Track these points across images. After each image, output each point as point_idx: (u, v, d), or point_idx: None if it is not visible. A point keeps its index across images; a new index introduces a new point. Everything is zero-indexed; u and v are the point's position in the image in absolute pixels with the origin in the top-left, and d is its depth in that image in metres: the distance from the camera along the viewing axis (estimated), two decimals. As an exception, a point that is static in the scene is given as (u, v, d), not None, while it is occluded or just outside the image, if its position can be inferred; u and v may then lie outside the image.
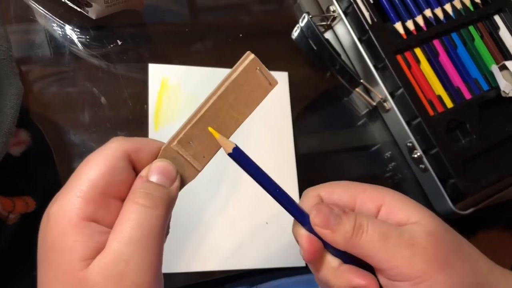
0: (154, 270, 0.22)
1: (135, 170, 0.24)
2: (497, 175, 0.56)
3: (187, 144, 0.24)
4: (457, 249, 0.25)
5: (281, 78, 0.56)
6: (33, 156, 0.43)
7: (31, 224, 0.42)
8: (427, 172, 0.56)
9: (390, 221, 0.26)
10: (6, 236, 0.38)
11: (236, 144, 0.25)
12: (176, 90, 0.50)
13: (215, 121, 0.25)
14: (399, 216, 0.26)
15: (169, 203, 0.23)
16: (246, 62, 0.25)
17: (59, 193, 0.23)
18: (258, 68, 0.25)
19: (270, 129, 0.53)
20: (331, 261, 0.26)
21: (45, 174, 0.44)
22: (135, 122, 0.49)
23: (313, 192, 0.28)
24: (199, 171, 0.25)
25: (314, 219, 0.25)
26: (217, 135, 0.24)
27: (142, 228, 0.21)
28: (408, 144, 0.57)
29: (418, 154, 0.56)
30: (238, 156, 0.24)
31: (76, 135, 0.47)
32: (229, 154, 0.24)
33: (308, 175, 0.53)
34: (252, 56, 0.25)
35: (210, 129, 0.24)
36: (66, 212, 0.21)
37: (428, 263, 0.24)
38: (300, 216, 0.26)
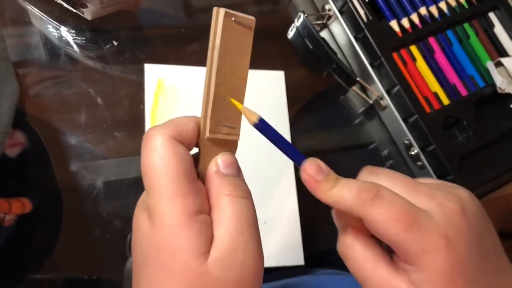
0: (262, 253, 0.23)
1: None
2: (495, 172, 0.56)
3: (217, 128, 0.25)
4: (482, 266, 0.23)
5: (278, 77, 0.56)
6: (29, 157, 0.43)
7: (27, 225, 0.42)
8: (424, 169, 0.56)
9: None
10: (2, 238, 0.38)
11: (260, 116, 0.25)
12: (172, 91, 0.50)
13: (227, 91, 0.24)
14: None
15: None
16: (221, 19, 0.23)
17: (146, 200, 0.23)
18: (233, 18, 0.23)
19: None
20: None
21: (41, 175, 0.44)
22: (132, 123, 0.49)
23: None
24: (238, 140, 0.26)
25: (307, 167, 0.25)
26: (240, 106, 0.25)
27: (247, 217, 0.23)
28: (405, 141, 0.57)
29: (415, 151, 0.56)
30: (263, 126, 0.25)
31: (73, 136, 0.47)
32: (255, 125, 0.25)
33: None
34: (222, 10, 0.23)
35: (232, 100, 0.25)
36: (170, 214, 0.22)
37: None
38: None
